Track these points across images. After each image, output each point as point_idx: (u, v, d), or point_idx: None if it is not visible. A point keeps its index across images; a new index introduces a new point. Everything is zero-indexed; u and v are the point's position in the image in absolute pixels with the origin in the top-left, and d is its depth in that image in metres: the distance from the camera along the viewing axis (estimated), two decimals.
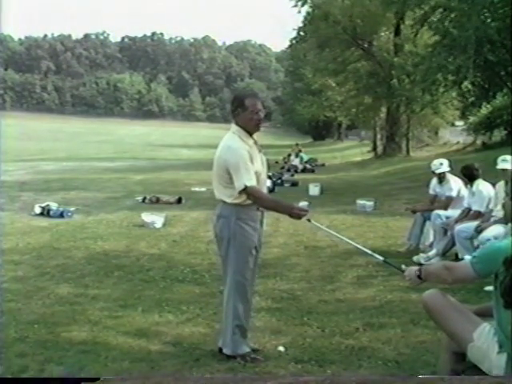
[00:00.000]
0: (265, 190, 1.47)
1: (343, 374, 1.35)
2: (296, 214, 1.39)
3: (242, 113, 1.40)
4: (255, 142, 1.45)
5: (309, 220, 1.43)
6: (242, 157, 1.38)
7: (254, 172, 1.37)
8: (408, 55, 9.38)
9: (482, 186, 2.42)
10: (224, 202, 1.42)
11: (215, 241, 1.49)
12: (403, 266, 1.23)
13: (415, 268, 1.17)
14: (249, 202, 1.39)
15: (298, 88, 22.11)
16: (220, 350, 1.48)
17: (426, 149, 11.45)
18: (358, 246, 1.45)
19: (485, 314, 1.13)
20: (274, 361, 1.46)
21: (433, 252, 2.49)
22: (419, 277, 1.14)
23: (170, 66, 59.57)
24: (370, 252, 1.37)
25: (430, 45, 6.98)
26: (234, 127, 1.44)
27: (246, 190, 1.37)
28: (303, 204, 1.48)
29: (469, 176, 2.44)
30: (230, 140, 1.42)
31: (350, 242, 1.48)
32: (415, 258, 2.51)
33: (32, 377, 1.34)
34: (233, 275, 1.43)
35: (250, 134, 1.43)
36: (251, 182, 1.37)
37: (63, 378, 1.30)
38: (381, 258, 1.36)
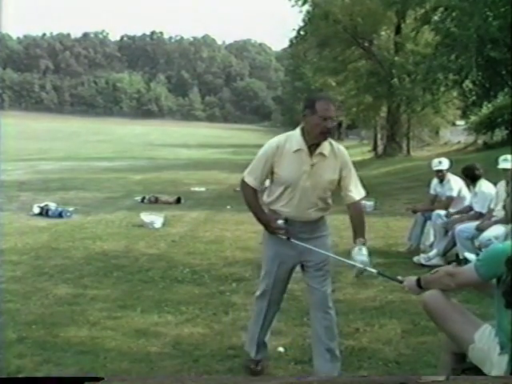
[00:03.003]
0: (302, 208, 1.25)
1: (343, 375, 1.34)
2: (271, 230, 1.28)
3: (310, 115, 1.22)
4: (312, 152, 1.23)
5: (288, 238, 1.27)
6: (264, 151, 1.26)
7: (269, 174, 1.24)
8: (409, 54, 9.34)
9: (485, 186, 2.41)
10: None
11: None
12: (399, 277, 1.21)
13: (414, 278, 1.16)
14: (273, 207, 1.27)
15: (298, 87, 22.07)
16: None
17: (426, 148, 11.44)
18: (349, 262, 1.35)
19: (481, 289, 1.12)
20: (273, 361, 1.45)
21: (433, 252, 2.48)
22: (419, 286, 1.14)
23: (169, 65, 59.34)
24: (362, 266, 1.28)
25: (431, 44, 6.98)
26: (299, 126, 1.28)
27: (242, 181, 1.29)
28: (280, 222, 1.33)
29: (471, 176, 2.43)
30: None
31: (340, 258, 1.37)
32: (415, 259, 2.50)
33: (32, 376, 1.33)
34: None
35: (311, 141, 1.23)
36: (249, 178, 1.27)
37: (63, 378, 1.28)
38: (374, 270, 1.29)
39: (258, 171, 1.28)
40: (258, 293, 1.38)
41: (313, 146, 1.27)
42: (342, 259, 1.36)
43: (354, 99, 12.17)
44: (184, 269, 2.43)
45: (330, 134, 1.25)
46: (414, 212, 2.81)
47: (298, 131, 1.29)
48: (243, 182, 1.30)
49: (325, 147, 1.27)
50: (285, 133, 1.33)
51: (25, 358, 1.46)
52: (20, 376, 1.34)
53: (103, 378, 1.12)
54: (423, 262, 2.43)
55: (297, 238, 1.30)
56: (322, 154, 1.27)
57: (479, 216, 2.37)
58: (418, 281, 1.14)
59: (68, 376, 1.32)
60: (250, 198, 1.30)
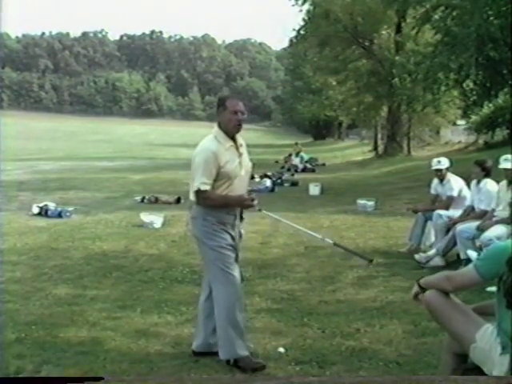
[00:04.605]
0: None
1: (344, 376, 1.34)
2: (247, 205, 1.40)
3: (223, 112, 1.41)
4: (236, 145, 1.43)
5: (259, 210, 1.46)
6: (206, 158, 1.37)
7: (216, 175, 1.36)
8: (409, 53, 9.30)
9: (490, 184, 2.40)
10: (195, 204, 1.41)
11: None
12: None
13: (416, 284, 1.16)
14: None
15: (299, 87, 22.02)
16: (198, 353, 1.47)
17: (427, 148, 11.37)
18: (310, 233, 1.50)
19: (484, 313, 1.12)
20: (274, 362, 1.45)
21: (433, 251, 2.46)
22: (420, 287, 1.14)
23: (169, 64, 59.29)
24: (319, 237, 1.43)
25: (431, 43, 6.95)
26: (214, 128, 1.44)
27: (198, 194, 1.36)
28: (253, 195, 1.46)
29: (482, 168, 2.40)
30: (205, 140, 1.43)
31: (304, 229, 1.54)
32: (417, 257, 2.49)
33: (32, 376, 1.33)
34: (214, 275, 1.41)
35: (230, 135, 1.42)
36: (204, 186, 1.36)
37: (67, 378, 1.28)
38: (330, 241, 1.41)
39: (208, 178, 1.38)
40: (226, 288, 1.39)
41: (232, 139, 1.43)
42: (309, 232, 1.54)
43: (354, 99, 12.13)
44: (184, 269, 2.43)
45: (241, 125, 1.42)
46: (415, 212, 2.80)
47: (218, 131, 1.43)
48: (203, 192, 1.38)
49: (239, 138, 1.46)
50: (208, 137, 1.44)
51: (24, 359, 1.46)
52: (20, 376, 1.34)
53: (103, 378, 1.11)
54: (423, 261, 2.42)
55: (233, 224, 1.43)
56: (241, 145, 1.46)
57: (483, 214, 2.34)
58: (419, 285, 1.14)
59: (68, 376, 1.31)
60: (215, 197, 1.40)
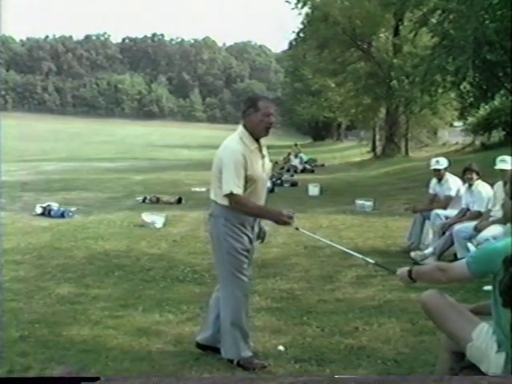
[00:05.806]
0: (263, 197, 1.42)
1: (343, 374, 1.35)
2: (283, 222, 1.35)
3: (254, 113, 1.36)
4: (260, 148, 1.39)
5: (297, 228, 1.39)
6: (236, 160, 1.32)
7: (244, 178, 1.33)
8: (407, 56, 9.41)
9: (482, 186, 2.45)
10: (216, 202, 1.38)
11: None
12: (398, 270, 1.22)
13: (407, 268, 1.17)
14: None
15: (298, 89, 22.15)
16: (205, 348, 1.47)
17: (424, 149, 11.48)
18: (350, 252, 1.46)
19: (482, 313, 1.14)
20: (273, 360, 1.46)
21: (429, 250, 2.49)
22: (410, 277, 1.15)
23: (170, 66, 59.67)
24: (360, 256, 1.38)
25: (429, 46, 7.04)
26: (239, 128, 1.39)
27: (230, 197, 1.33)
28: (290, 212, 1.36)
29: (476, 173, 2.47)
30: (230, 140, 1.39)
31: (343, 248, 1.50)
32: (413, 254, 2.52)
33: (33, 376, 1.35)
34: (223, 277, 1.40)
35: (257, 137, 1.37)
36: (238, 189, 1.32)
37: (64, 378, 1.30)
38: (372, 260, 1.36)
39: (240, 180, 1.34)
40: (234, 290, 1.39)
41: (256, 141, 1.40)
42: (346, 249, 1.50)
43: (353, 100, 12.22)
44: (185, 268, 2.45)
45: (271, 128, 1.39)
46: (414, 212, 2.82)
47: (244, 132, 1.38)
48: (236, 197, 1.34)
49: (262, 139, 1.41)
50: (233, 137, 1.39)
51: (28, 357, 1.48)
52: (23, 375, 1.36)
53: (99, 378, 1.13)
54: (419, 259, 2.44)
55: (252, 226, 1.41)
56: (263, 147, 1.43)
57: (478, 215, 2.39)
58: (410, 272, 1.15)
59: (66, 376, 1.32)
60: (252, 206, 1.37)
